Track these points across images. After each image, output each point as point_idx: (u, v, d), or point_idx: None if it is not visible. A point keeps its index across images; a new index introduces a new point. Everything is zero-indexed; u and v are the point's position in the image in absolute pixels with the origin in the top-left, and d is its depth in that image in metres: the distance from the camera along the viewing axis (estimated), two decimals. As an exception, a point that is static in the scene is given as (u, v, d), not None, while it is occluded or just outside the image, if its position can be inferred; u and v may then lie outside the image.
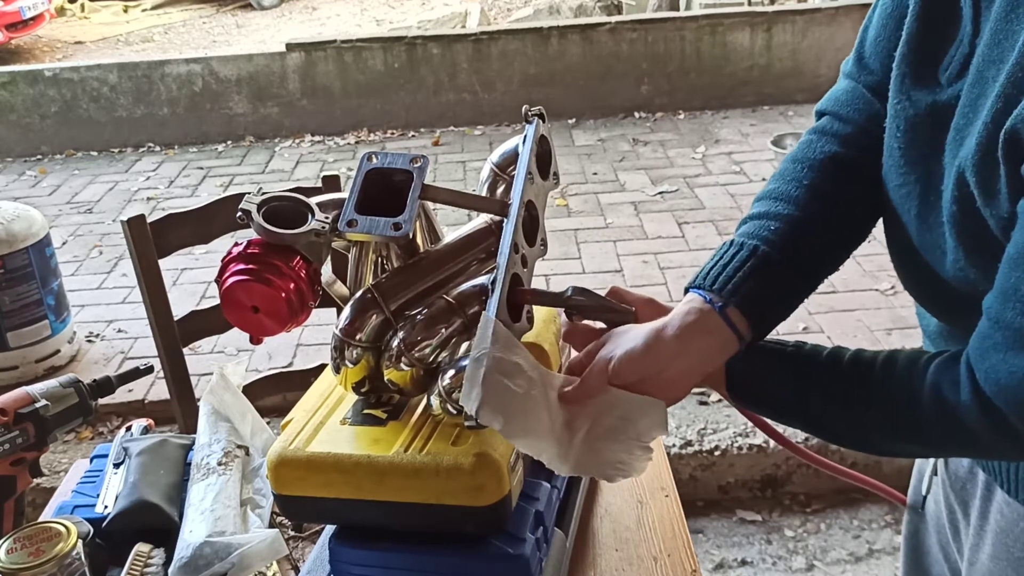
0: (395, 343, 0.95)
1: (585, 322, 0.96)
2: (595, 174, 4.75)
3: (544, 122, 1.07)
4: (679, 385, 0.90)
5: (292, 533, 1.25)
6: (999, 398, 0.75)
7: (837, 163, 0.97)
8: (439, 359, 0.96)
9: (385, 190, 0.97)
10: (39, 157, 5.62)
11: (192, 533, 1.12)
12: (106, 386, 1.26)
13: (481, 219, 1.06)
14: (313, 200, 0.98)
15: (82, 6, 10.78)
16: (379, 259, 1.04)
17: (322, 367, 1.23)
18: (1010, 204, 0.73)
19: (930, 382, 0.80)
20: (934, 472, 1.11)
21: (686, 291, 0.93)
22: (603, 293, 0.96)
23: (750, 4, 6.78)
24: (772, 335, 0.92)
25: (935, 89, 0.85)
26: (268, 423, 1.35)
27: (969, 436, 0.79)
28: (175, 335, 1.84)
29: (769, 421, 1.02)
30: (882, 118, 0.92)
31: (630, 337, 0.89)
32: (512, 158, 1.06)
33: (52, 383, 1.21)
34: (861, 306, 3.31)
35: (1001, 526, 0.94)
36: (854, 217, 0.98)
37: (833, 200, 0.96)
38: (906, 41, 0.88)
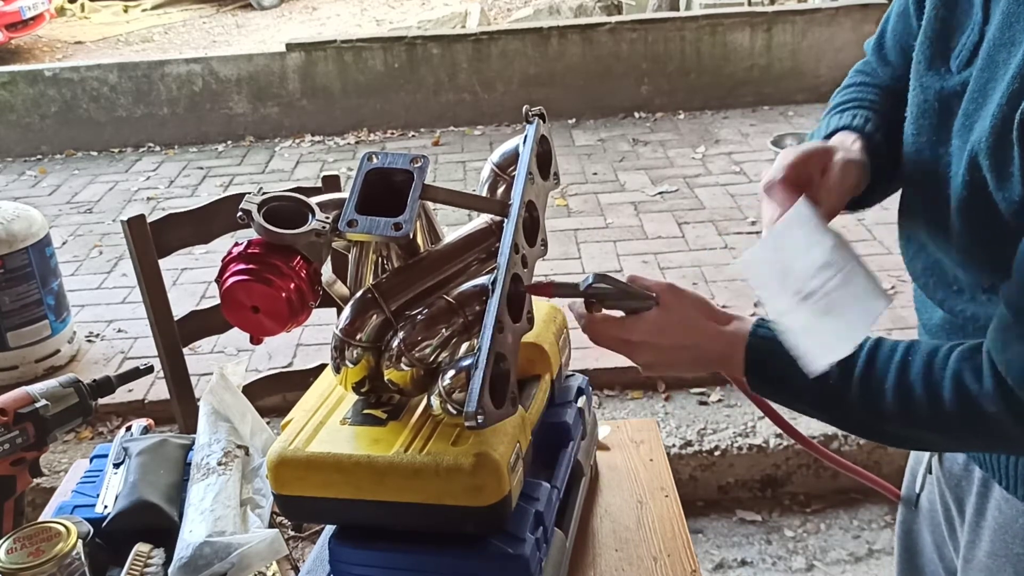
0: (395, 343, 0.95)
1: (605, 312, 0.96)
2: (595, 174, 4.75)
3: (544, 122, 1.07)
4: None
5: (292, 533, 1.25)
6: (1021, 388, 0.75)
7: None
8: (439, 359, 0.96)
9: (385, 190, 0.97)
10: (39, 157, 5.62)
11: (192, 533, 1.12)
12: (106, 386, 1.26)
13: (481, 219, 1.06)
14: (313, 200, 0.98)
15: (82, 6, 10.77)
16: (379, 259, 1.04)
17: (322, 367, 1.23)
18: (1022, 187, 0.74)
19: (952, 371, 0.81)
20: (928, 470, 1.11)
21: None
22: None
23: (750, 4, 6.79)
24: None
25: (945, 76, 0.86)
26: (268, 423, 1.35)
27: (990, 425, 0.79)
28: (175, 335, 1.83)
29: (777, 408, 1.02)
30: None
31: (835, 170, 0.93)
32: (512, 158, 1.06)
33: (52, 383, 1.21)
34: (861, 306, 3.30)
35: (999, 522, 0.94)
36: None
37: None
38: (924, 29, 0.90)
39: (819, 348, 0.83)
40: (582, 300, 0.96)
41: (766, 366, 0.91)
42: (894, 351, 0.85)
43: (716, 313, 0.95)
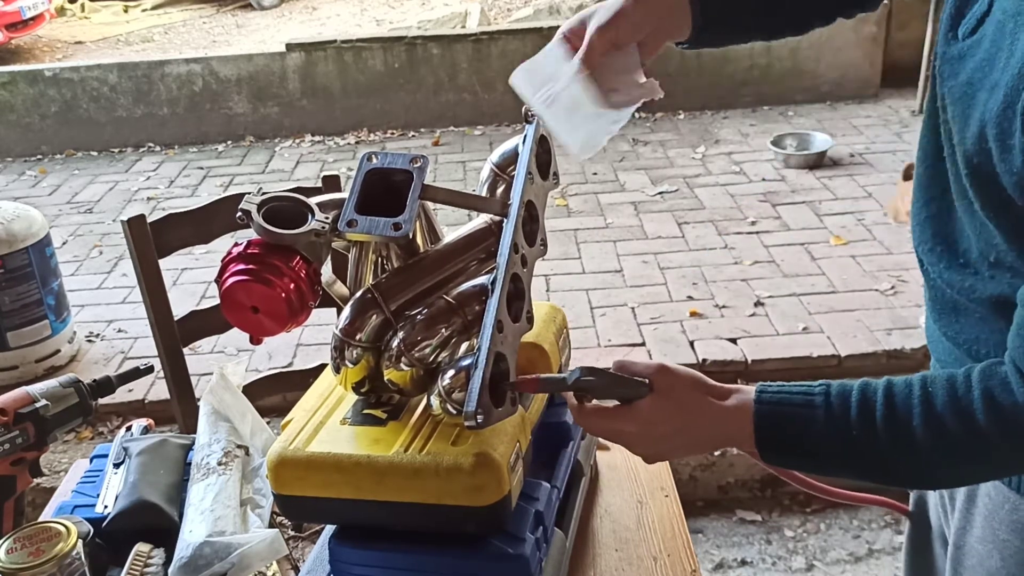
0: (395, 343, 0.95)
1: (596, 402, 0.92)
2: (595, 174, 4.75)
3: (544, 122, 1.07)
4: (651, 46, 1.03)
5: (292, 533, 1.25)
6: None
7: None
8: (439, 359, 0.96)
9: (385, 190, 0.97)
10: (39, 157, 5.61)
11: (192, 533, 1.12)
12: (106, 386, 1.26)
13: (481, 219, 1.06)
14: (313, 200, 0.98)
15: (82, 6, 10.77)
16: (379, 259, 1.04)
17: (322, 367, 1.23)
18: (1022, 161, 0.74)
19: (979, 391, 0.78)
20: None
21: None
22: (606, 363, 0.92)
23: (750, 4, 6.78)
24: (788, 384, 0.88)
25: (951, 43, 0.87)
26: (268, 423, 1.35)
27: None
28: (175, 335, 1.84)
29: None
30: None
31: (608, 5, 0.99)
32: (512, 158, 1.06)
33: (52, 383, 1.21)
34: (861, 306, 3.31)
35: (988, 509, 0.94)
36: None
37: None
38: (948, 1, 0.91)
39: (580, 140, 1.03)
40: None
41: (779, 435, 0.85)
42: (910, 387, 0.82)
43: (713, 388, 0.89)
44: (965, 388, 0.79)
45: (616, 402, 0.91)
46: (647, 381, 0.89)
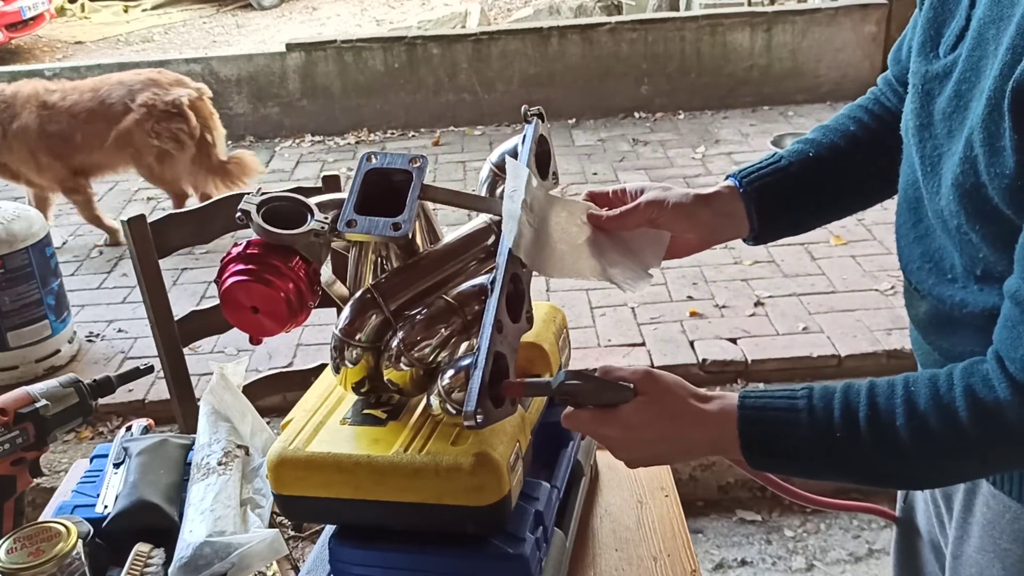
0: (395, 343, 0.95)
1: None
2: (595, 174, 4.75)
3: (543, 122, 1.07)
4: (690, 245, 1.09)
5: (292, 533, 1.25)
6: None
7: (876, 135, 1.07)
8: (439, 359, 0.96)
9: (385, 190, 0.97)
10: (39, 157, 5.61)
11: (192, 533, 1.12)
12: (106, 386, 1.26)
13: (481, 219, 1.06)
14: (313, 200, 0.98)
15: (82, 6, 10.77)
16: (379, 259, 1.04)
17: (322, 367, 1.23)
18: (1015, 162, 0.73)
19: (961, 388, 0.78)
20: None
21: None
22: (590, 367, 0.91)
23: (750, 4, 6.78)
24: (771, 388, 0.89)
25: (932, 60, 0.88)
26: (268, 423, 1.35)
27: (1015, 435, 0.77)
28: (175, 335, 1.84)
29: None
30: None
31: (676, 193, 1.04)
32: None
33: (52, 383, 1.21)
34: (861, 306, 3.31)
35: (987, 518, 0.94)
36: (874, 180, 1.09)
37: (863, 157, 1.07)
38: (922, 16, 0.91)
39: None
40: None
41: (764, 438, 0.85)
42: (893, 387, 0.82)
43: (696, 394, 0.89)
44: (947, 386, 0.79)
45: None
46: (631, 385, 0.89)
